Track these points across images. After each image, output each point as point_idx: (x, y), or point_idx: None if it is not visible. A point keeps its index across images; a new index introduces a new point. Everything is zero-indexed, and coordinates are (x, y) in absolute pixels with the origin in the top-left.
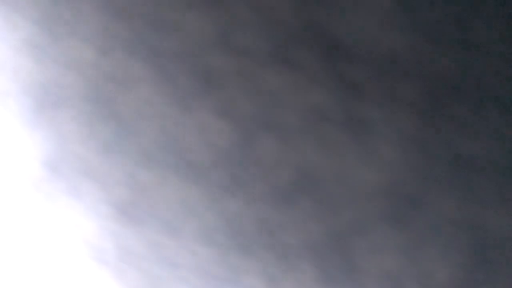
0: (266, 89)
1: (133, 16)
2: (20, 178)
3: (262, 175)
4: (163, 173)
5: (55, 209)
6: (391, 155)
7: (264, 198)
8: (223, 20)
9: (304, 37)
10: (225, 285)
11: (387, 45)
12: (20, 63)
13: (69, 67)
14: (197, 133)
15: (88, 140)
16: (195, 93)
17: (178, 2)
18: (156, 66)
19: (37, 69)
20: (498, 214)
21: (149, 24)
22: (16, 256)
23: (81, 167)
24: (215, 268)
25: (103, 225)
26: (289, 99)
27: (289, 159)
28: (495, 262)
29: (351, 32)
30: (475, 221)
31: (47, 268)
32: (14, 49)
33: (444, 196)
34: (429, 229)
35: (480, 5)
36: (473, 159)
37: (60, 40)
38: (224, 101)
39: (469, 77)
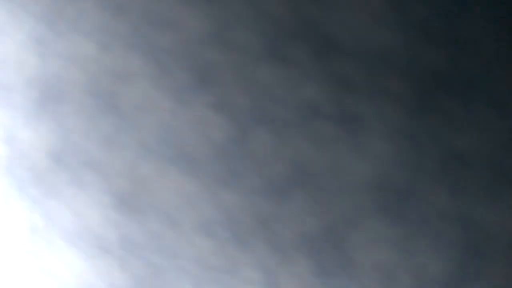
0: (261, 84)
1: (132, 13)
2: (26, 169)
3: (257, 169)
4: (162, 166)
5: (59, 198)
6: (382, 149)
7: (260, 191)
8: (219, 17)
9: (297, 34)
10: (222, 276)
11: (378, 42)
12: (24, 58)
13: (71, 61)
14: (194, 127)
15: (90, 133)
16: (192, 88)
17: None
18: (155, 61)
19: (41, 64)
20: (488, 208)
21: (147, 21)
22: (21, 244)
23: (84, 158)
24: (213, 259)
25: (106, 215)
26: (283, 94)
27: (283, 152)
28: (486, 255)
29: (344, 29)
30: (465, 215)
31: (50, 255)
32: (18, 44)
33: (435, 189)
34: (420, 222)
35: (469, 3)
36: (462, 153)
37: (63, 35)
38: (220, 96)
39: (458, 72)
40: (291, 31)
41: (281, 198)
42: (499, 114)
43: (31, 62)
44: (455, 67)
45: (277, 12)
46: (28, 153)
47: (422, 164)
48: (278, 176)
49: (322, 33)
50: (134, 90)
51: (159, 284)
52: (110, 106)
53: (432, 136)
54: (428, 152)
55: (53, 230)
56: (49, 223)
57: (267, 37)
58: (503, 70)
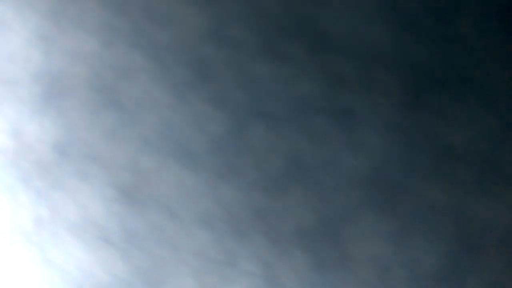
0: (257, 79)
1: (133, 11)
2: (31, 162)
3: (254, 163)
4: (163, 160)
5: (63, 191)
6: (376, 143)
7: (257, 185)
8: (216, 14)
9: (292, 30)
10: (222, 268)
11: (372, 38)
12: (30, 54)
13: (75, 57)
14: (193, 122)
15: (93, 127)
16: (191, 83)
17: None
18: (154, 57)
19: (46, 60)
20: (481, 202)
21: (147, 18)
22: (26, 234)
23: (87, 151)
24: (212, 251)
25: (109, 207)
26: (278, 89)
27: (279, 147)
28: (480, 250)
29: (338, 26)
30: (459, 209)
31: (55, 246)
32: (24, 41)
33: (428, 184)
34: (414, 217)
35: (461, 0)
36: (455, 148)
37: (67, 32)
38: (218, 91)
39: (450, 68)
40: (286, 28)
41: (278, 192)
42: (490, 109)
43: (37, 57)
44: (447, 63)
45: (272, 10)
46: (34, 146)
47: (415, 159)
48: (275, 171)
49: (316, 30)
50: (135, 86)
51: (161, 275)
52: (112, 101)
53: (424, 131)
54: (420, 146)
55: (57, 222)
56: (53, 215)
57: (263, 34)
58: (494, 65)
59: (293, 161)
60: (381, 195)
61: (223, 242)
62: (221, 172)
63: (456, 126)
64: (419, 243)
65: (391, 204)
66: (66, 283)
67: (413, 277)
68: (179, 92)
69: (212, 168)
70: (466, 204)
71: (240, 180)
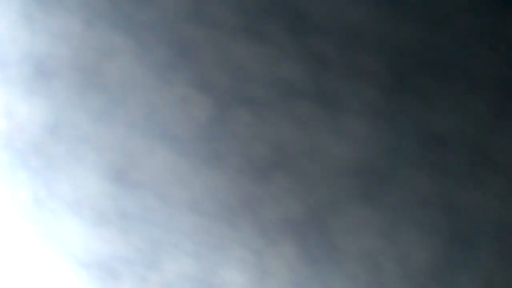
0: (237, 61)
1: None
2: (25, 142)
3: (238, 149)
4: (150, 143)
5: (58, 170)
6: (360, 129)
7: (242, 171)
8: None
9: (273, 10)
10: (214, 253)
11: (353, 19)
12: (17, 34)
13: (59, 38)
14: (176, 105)
15: (79, 108)
16: (172, 65)
17: None
18: (135, 37)
19: (32, 40)
20: (472, 193)
21: None
22: (27, 211)
23: (76, 133)
24: (204, 236)
25: (102, 187)
26: (260, 71)
27: (262, 133)
28: (472, 242)
29: (319, 6)
30: (449, 201)
31: (54, 223)
32: (10, 21)
33: (415, 173)
34: (402, 208)
35: None
36: (442, 134)
37: (51, 12)
38: (199, 73)
39: (434, 51)
40: (266, 8)
41: (263, 179)
42: (478, 91)
43: (24, 38)
44: (432, 44)
45: None
46: (27, 127)
47: (402, 146)
48: (259, 158)
49: (297, 10)
50: (118, 67)
51: (158, 254)
52: (96, 83)
53: (410, 116)
54: (407, 133)
55: (55, 200)
56: (51, 193)
57: (242, 14)
58: (482, 47)
59: (277, 148)
60: (366, 184)
61: (213, 227)
62: (206, 158)
63: (443, 112)
64: (409, 237)
65: (377, 195)
66: (68, 258)
67: (403, 270)
68: (161, 74)
69: (197, 153)
70: (456, 196)
71: (225, 166)
